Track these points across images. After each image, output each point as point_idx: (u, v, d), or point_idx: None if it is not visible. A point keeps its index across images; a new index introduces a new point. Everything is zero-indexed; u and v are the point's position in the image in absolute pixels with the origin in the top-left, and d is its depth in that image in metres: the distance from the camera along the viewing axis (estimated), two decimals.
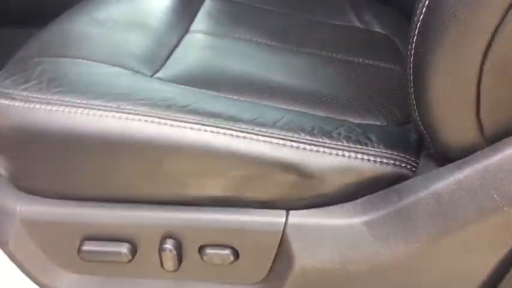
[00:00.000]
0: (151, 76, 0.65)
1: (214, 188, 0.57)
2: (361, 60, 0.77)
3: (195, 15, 0.82)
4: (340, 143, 0.55)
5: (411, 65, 0.48)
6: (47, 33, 0.70)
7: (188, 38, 0.76)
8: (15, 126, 0.56)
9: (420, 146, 0.57)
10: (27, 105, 0.55)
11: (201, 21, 0.81)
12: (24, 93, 0.56)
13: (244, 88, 0.65)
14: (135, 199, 0.59)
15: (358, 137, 0.56)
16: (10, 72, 0.60)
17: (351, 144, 0.55)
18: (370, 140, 0.56)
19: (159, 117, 0.55)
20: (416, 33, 0.46)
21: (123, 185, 0.58)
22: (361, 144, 0.56)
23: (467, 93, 0.46)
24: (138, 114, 0.55)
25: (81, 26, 0.72)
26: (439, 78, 0.46)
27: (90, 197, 0.60)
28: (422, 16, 0.44)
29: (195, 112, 0.56)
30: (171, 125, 0.54)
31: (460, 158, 0.51)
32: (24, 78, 0.58)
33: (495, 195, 0.48)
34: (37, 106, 0.55)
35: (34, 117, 0.55)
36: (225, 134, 0.54)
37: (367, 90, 0.69)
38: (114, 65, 0.65)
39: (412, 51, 0.47)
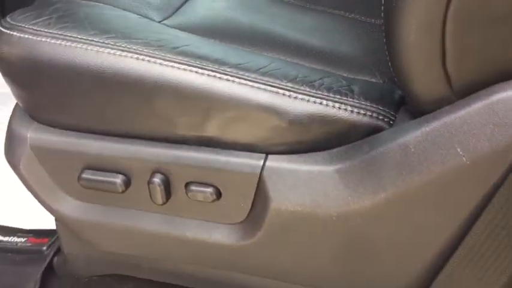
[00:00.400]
0: (159, 22, 0.69)
1: (198, 128, 0.60)
2: (373, 20, 0.76)
3: None
4: (320, 92, 0.57)
5: (383, 14, 0.48)
6: None
7: None
8: (24, 57, 0.61)
9: (402, 101, 0.58)
10: (34, 38, 0.60)
11: None
12: (34, 27, 0.61)
13: (244, 38, 0.67)
14: (128, 134, 0.63)
15: (340, 88, 0.58)
16: (27, 10, 0.66)
17: (331, 94, 0.57)
18: (351, 91, 0.57)
19: (150, 56, 0.58)
20: None
21: (117, 120, 0.62)
22: (340, 95, 0.57)
23: (432, 41, 0.46)
24: (130, 51, 0.58)
25: None
26: (405, 25, 0.46)
27: (90, 129, 0.64)
28: None
29: (183, 53, 0.59)
30: (160, 64, 0.58)
31: (431, 112, 0.51)
32: (36, 14, 0.63)
33: (458, 149, 0.48)
34: (43, 39, 0.60)
35: (40, 49, 0.60)
36: (208, 75, 0.57)
37: (372, 49, 0.69)
38: (125, 9, 0.69)
39: (383, 0, 0.48)
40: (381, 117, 0.56)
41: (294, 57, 0.64)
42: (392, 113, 0.57)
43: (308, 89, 0.57)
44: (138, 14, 0.69)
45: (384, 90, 0.59)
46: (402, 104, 0.58)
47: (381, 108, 0.57)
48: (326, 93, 0.57)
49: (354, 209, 0.55)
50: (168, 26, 0.68)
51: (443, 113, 0.50)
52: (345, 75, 0.63)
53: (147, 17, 0.69)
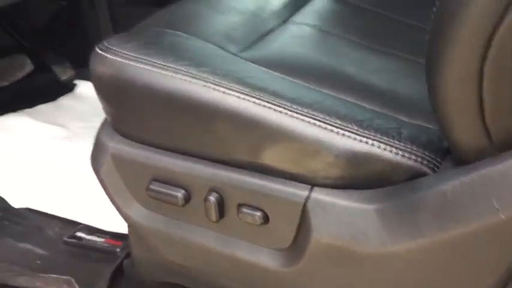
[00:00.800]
0: (234, 54, 0.75)
1: (251, 154, 0.64)
2: None
3: (300, 9, 0.90)
4: (367, 131, 0.59)
5: (425, 64, 0.50)
6: (166, 9, 0.84)
7: (283, 27, 0.84)
8: (112, 77, 0.70)
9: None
10: (121, 60, 0.69)
11: (302, 15, 0.88)
12: (123, 51, 0.69)
13: (308, 74, 0.70)
14: (192, 153, 0.69)
15: (389, 129, 0.59)
16: (122, 35, 0.75)
17: (378, 135, 0.58)
18: (399, 134, 0.59)
19: (215, 84, 0.64)
20: (432, 26, 0.48)
21: (183, 139, 0.69)
22: (387, 136, 0.58)
23: (470, 94, 0.46)
24: (199, 78, 0.64)
25: (196, 5, 0.84)
26: (443, 77, 0.47)
27: (160, 145, 0.71)
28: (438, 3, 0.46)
29: (245, 84, 0.64)
30: (223, 92, 0.63)
31: (473, 162, 0.51)
32: (128, 40, 0.72)
33: (494, 202, 0.48)
34: (128, 62, 0.68)
35: (125, 70, 0.68)
36: (264, 106, 0.61)
37: None
38: (207, 41, 0.76)
39: (426, 49, 0.49)
40: (425, 163, 0.56)
41: (353, 96, 0.67)
42: (438, 159, 0.57)
43: (356, 127, 0.59)
44: (217, 46, 0.75)
45: (433, 136, 0.60)
46: (450, 152, 0.58)
47: (426, 153, 0.57)
48: (373, 133, 0.58)
49: (390, 251, 0.56)
50: (241, 58, 0.74)
51: (482, 164, 0.49)
52: (400, 118, 0.64)
53: (224, 49, 0.75)
